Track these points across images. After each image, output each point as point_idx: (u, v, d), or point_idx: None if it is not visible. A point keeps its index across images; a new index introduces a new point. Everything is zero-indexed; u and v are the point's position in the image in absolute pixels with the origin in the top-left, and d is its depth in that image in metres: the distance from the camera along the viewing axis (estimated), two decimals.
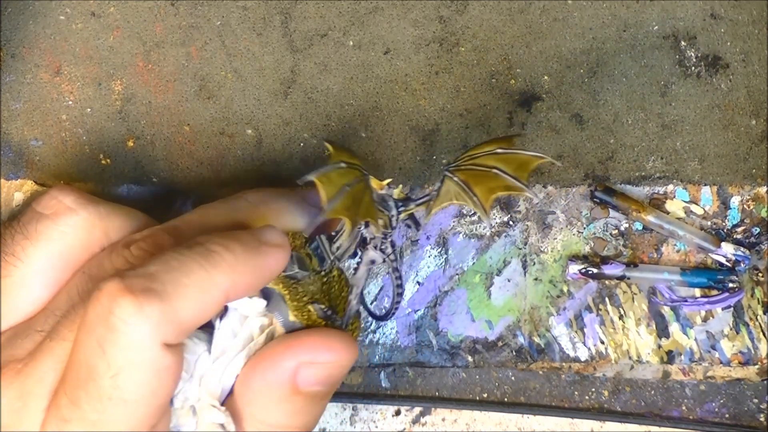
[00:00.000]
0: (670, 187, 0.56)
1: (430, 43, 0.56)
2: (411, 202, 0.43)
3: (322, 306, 0.40)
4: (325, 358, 0.39)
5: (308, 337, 0.39)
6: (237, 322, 0.38)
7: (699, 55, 0.56)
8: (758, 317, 0.56)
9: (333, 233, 0.42)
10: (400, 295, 0.45)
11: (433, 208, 0.43)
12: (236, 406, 0.39)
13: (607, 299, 0.56)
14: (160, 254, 0.35)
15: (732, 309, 0.56)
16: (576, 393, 0.57)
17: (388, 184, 0.42)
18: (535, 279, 0.56)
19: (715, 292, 0.55)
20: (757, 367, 0.56)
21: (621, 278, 0.55)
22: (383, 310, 0.56)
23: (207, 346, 0.38)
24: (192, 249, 0.34)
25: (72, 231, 0.42)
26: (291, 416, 0.39)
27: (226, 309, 0.39)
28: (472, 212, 0.57)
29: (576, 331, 0.56)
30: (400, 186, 0.44)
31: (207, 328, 0.38)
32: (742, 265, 0.55)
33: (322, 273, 0.41)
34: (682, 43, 0.56)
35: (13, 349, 0.37)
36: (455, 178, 0.41)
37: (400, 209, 0.42)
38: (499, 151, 0.41)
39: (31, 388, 0.34)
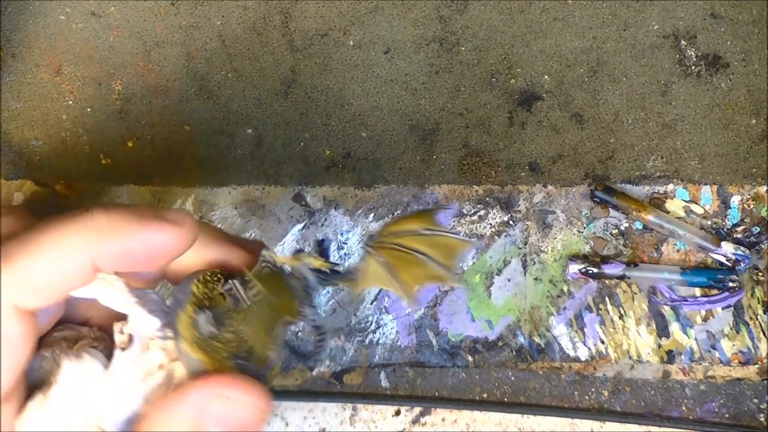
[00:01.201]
0: (670, 187, 0.56)
1: (431, 43, 0.56)
2: (332, 277, 0.38)
3: (240, 359, 0.37)
4: (235, 395, 0.35)
5: (219, 375, 0.36)
6: (137, 351, 0.37)
7: (699, 54, 0.56)
8: (758, 317, 0.56)
9: (245, 278, 0.39)
10: (320, 345, 0.40)
11: (357, 288, 0.39)
12: None
13: (607, 299, 0.56)
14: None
15: (732, 308, 0.56)
16: (576, 393, 0.57)
17: (298, 254, 0.37)
18: (535, 279, 0.56)
19: (715, 291, 0.55)
20: (757, 366, 0.56)
21: (621, 278, 0.55)
22: (382, 310, 0.56)
23: (102, 370, 0.36)
24: (68, 211, 0.33)
25: None
26: None
27: (130, 340, 0.37)
28: (473, 212, 0.57)
29: (576, 331, 0.56)
30: (312, 257, 0.39)
31: (105, 351, 0.37)
32: (742, 264, 0.55)
33: (238, 310, 0.39)
34: (682, 42, 0.56)
35: None
36: (380, 258, 0.38)
37: (321, 284, 0.38)
38: (425, 232, 0.39)
39: None
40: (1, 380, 0.32)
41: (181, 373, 0.36)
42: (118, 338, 0.35)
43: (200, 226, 0.37)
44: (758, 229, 0.56)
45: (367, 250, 0.36)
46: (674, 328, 0.56)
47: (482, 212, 0.56)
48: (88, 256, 0.32)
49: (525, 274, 0.56)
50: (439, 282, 0.39)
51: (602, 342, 0.56)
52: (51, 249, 0.32)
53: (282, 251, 0.57)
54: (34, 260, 0.32)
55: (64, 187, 0.57)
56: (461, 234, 0.39)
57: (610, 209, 0.56)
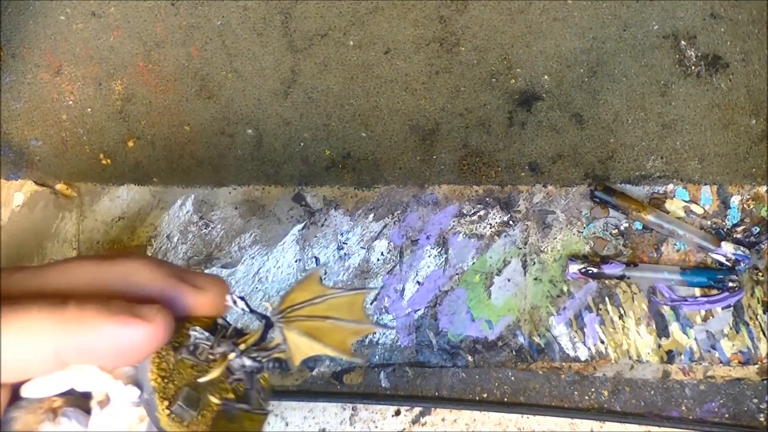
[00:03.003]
0: (670, 187, 0.56)
1: (431, 43, 0.56)
2: (264, 355, 0.39)
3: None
4: None
5: None
6: (117, 407, 0.37)
7: (699, 54, 0.56)
8: (758, 317, 0.56)
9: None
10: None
11: (296, 361, 0.39)
12: None
13: (607, 299, 0.56)
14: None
15: (732, 308, 0.56)
16: (576, 393, 0.57)
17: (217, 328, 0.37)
18: (535, 279, 0.56)
19: (714, 291, 0.55)
20: (757, 366, 0.56)
21: (621, 278, 0.55)
22: (382, 310, 0.56)
23: (80, 429, 0.37)
24: (44, 298, 0.33)
25: None
26: None
27: (108, 401, 0.37)
28: (472, 212, 0.57)
29: (576, 331, 0.56)
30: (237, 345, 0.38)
31: (85, 414, 0.37)
32: (742, 264, 0.55)
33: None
34: (682, 42, 0.56)
35: None
36: (295, 330, 0.38)
37: (259, 368, 0.38)
38: (318, 301, 0.38)
39: None
40: None
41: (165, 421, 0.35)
42: (97, 398, 0.35)
43: (152, 266, 0.36)
44: (758, 229, 0.56)
45: (279, 325, 0.36)
46: (674, 328, 0.56)
47: (482, 212, 0.56)
48: (51, 346, 0.32)
49: (525, 274, 0.56)
50: (362, 335, 0.38)
51: (602, 342, 0.56)
52: (13, 331, 0.32)
53: (283, 251, 0.57)
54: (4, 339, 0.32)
55: (64, 187, 0.57)
56: (351, 285, 0.39)
57: (609, 209, 0.56)
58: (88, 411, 0.35)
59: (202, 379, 0.35)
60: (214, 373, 0.35)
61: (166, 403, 0.35)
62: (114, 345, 0.33)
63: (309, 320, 0.37)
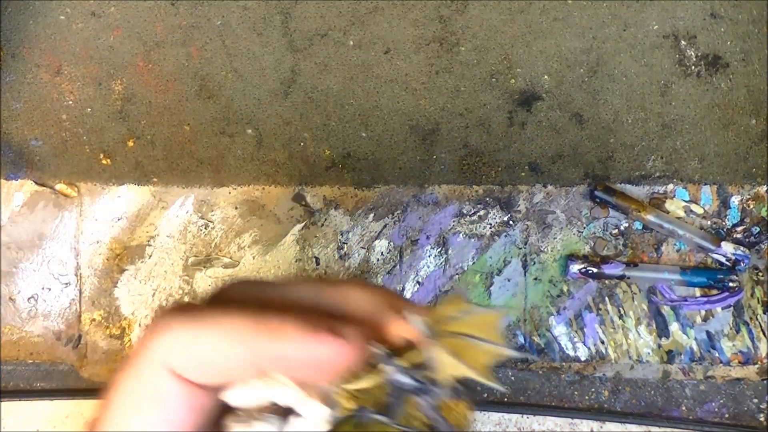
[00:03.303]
0: (670, 187, 0.56)
1: (431, 43, 0.56)
2: (413, 375, 0.38)
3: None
4: None
5: None
6: (314, 420, 0.36)
7: (699, 54, 0.56)
8: (758, 317, 0.56)
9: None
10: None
11: (443, 380, 0.38)
12: None
13: (607, 299, 0.56)
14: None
15: (732, 308, 0.56)
16: (576, 393, 0.57)
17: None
18: (535, 279, 0.56)
19: (714, 291, 0.55)
20: (757, 366, 0.56)
21: (621, 278, 0.55)
22: None
23: None
24: (257, 307, 0.34)
25: None
26: None
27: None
28: (472, 212, 0.56)
29: (576, 331, 0.56)
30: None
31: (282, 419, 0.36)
32: (741, 264, 0.55)
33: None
34: (682, 42, 0.56)
35: None
36: (442, 349, 0.37)
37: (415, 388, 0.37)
38: (459, 316, 0.38)
39: None
40: None
41: None
42: (298, 413, 0.35)
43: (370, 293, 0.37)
44: (758, 229, 0.56)
45: (429, 341, 0.35)
46: (674, 328, 0.56)
47: (482, 212, 0.56)
48: (246, 352, 0.33)
49: (525, 274, 0.56)
50: (498, 358, 0.38)
51: (602, 342, 0.56)
52: (213, 332, 0.33)
53: (283, 251, 0.57)
54: (192, 337, 0.33)
55: (64, 187, 0.57)
56: (495, 305, 0.38)
57: (609, 209, 0.56)
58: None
59: (346, 386, 0.35)
60: (361, 384, 0.34)
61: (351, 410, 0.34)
62: (306, 358, 0.34)
63: (450, 337, 0.36)
